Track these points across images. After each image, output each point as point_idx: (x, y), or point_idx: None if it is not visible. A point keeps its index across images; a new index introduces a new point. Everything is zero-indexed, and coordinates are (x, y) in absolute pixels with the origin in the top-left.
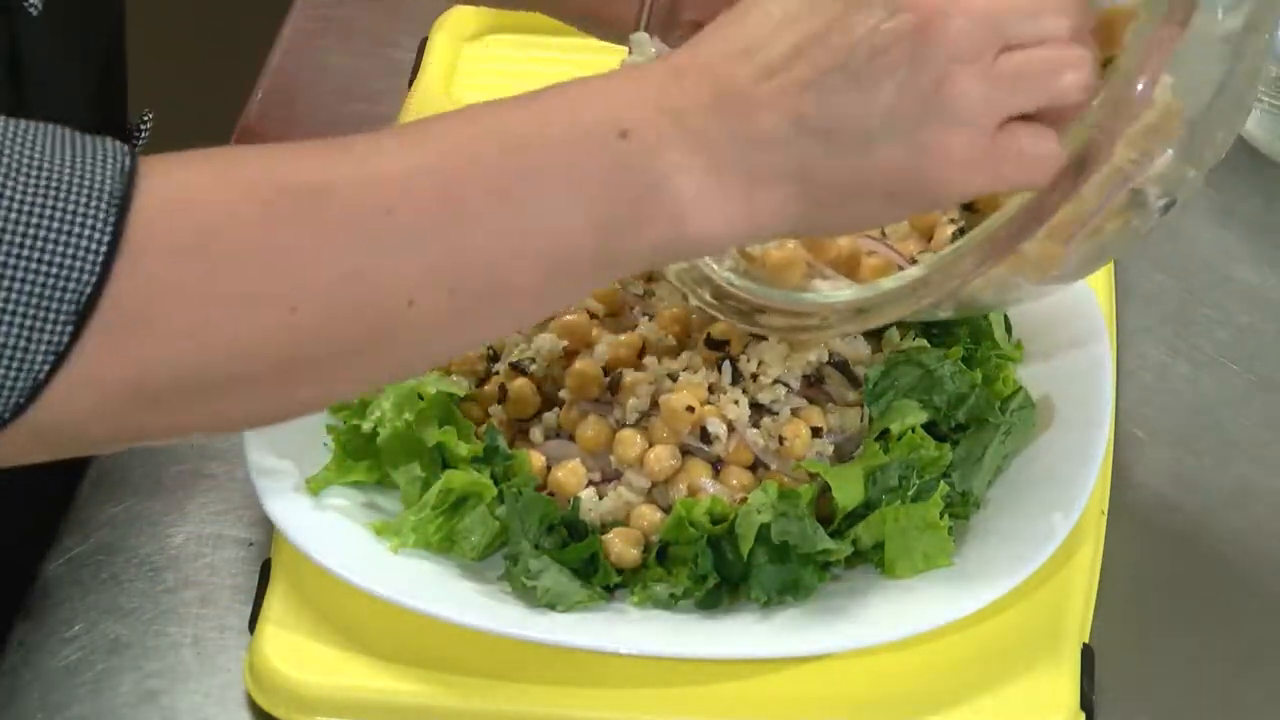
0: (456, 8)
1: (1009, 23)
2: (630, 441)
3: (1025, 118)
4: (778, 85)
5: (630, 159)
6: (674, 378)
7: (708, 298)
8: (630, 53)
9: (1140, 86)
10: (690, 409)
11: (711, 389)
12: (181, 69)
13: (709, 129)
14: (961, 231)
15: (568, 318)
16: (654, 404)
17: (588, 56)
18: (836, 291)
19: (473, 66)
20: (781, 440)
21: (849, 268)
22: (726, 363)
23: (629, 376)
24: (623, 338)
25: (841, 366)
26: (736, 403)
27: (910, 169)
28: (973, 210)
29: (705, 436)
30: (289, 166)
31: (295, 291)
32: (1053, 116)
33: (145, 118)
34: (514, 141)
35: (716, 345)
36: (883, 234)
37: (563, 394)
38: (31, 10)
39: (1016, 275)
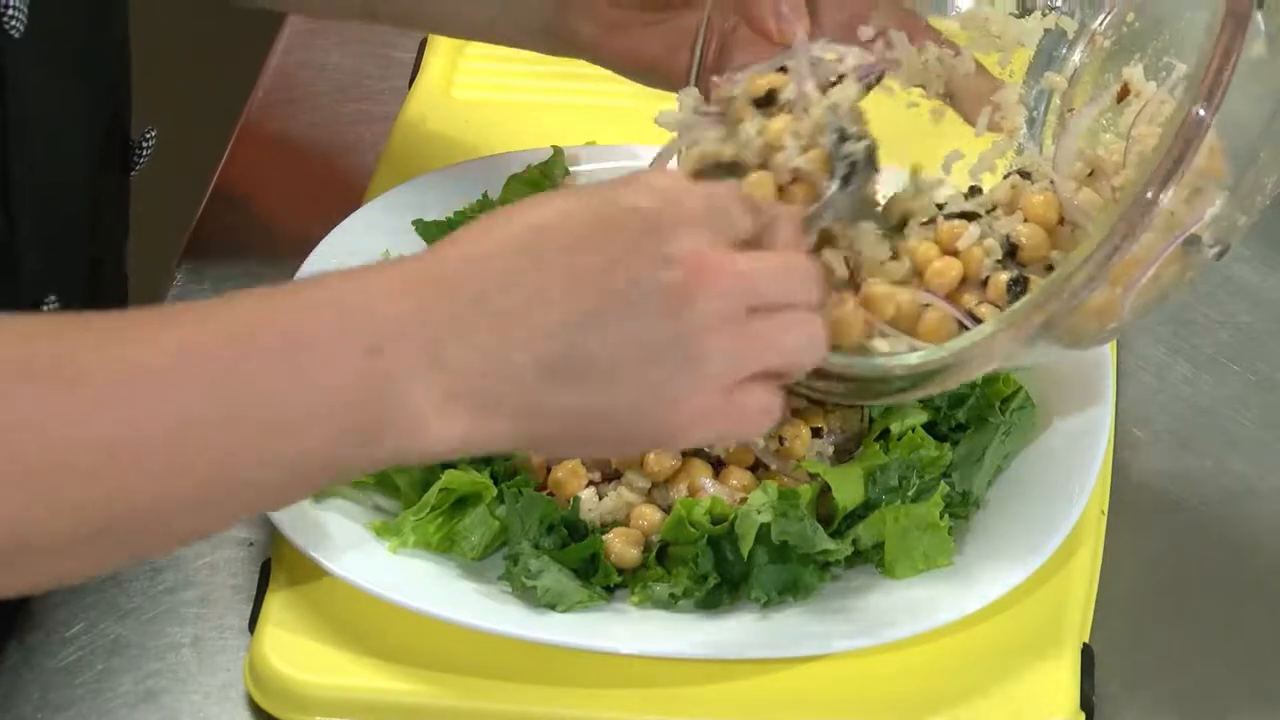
0: None
1: (763, 287)
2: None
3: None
4: (529, 323)
5: (377, 377)
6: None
7: None
8: (679, 104)
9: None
10: None
11: None
12: (182, 69)
13: (457, 357)
14: (1017, 280)
15: None
16: None
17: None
18: (905, 354)
19: (473, 66)
20: (781, 441)
21: (908, 323)
22: None
23: None
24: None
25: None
26: None
27: (648, 418)
28: (1015, 257)
29: (715, 464)
30: (40, 345)
31: (42, 472)
32: (788, 370)
33: (148, 135)
34: (272, 346)
35: None
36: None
37: None
38: (13, 33)
39: (1079, 326)
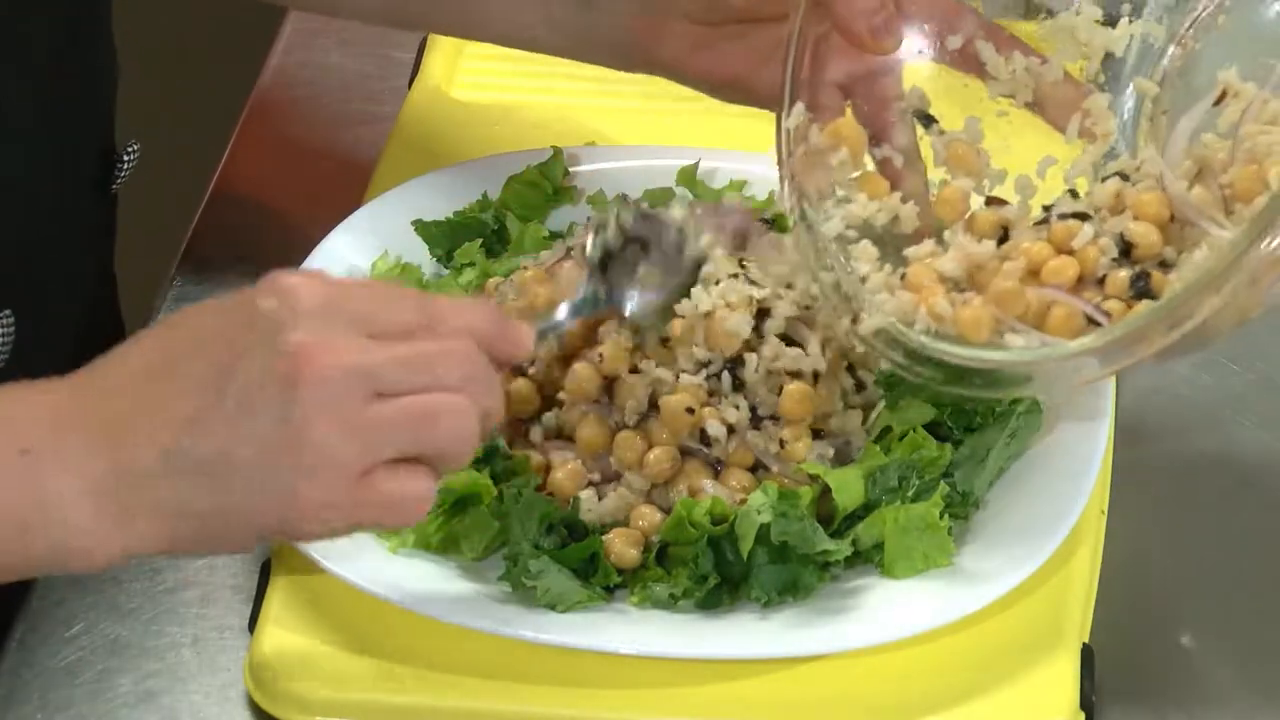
0: None
1: (382, 373)
2: (629, 444)
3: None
4: (155, 422)
5: (26, 479)
6: (676, 376)
7: (900, 360)
8: (785, 117)
9: None
10: (690, 410)
11: (712, 393)
12: (182, 69)
13: (92, 459)
14: (1140, 276)
15: None
16: (653, 405)
17: None
18: (1046, 347)
19: (473, 66)
20: (782, 443)
21: (1036, 320)
22: (726, 372)
23: (626, 378)
24: (620, 339)
25: (849, 370)
26: (737, 406)
27: (269, 510)
28: (1129, 255)
29: (705, 439)
30: None
31: None
32: (436, 459)
33: (131, 148)
34: None
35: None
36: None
37: (561, 395)
38: None
39: (1218, 324)
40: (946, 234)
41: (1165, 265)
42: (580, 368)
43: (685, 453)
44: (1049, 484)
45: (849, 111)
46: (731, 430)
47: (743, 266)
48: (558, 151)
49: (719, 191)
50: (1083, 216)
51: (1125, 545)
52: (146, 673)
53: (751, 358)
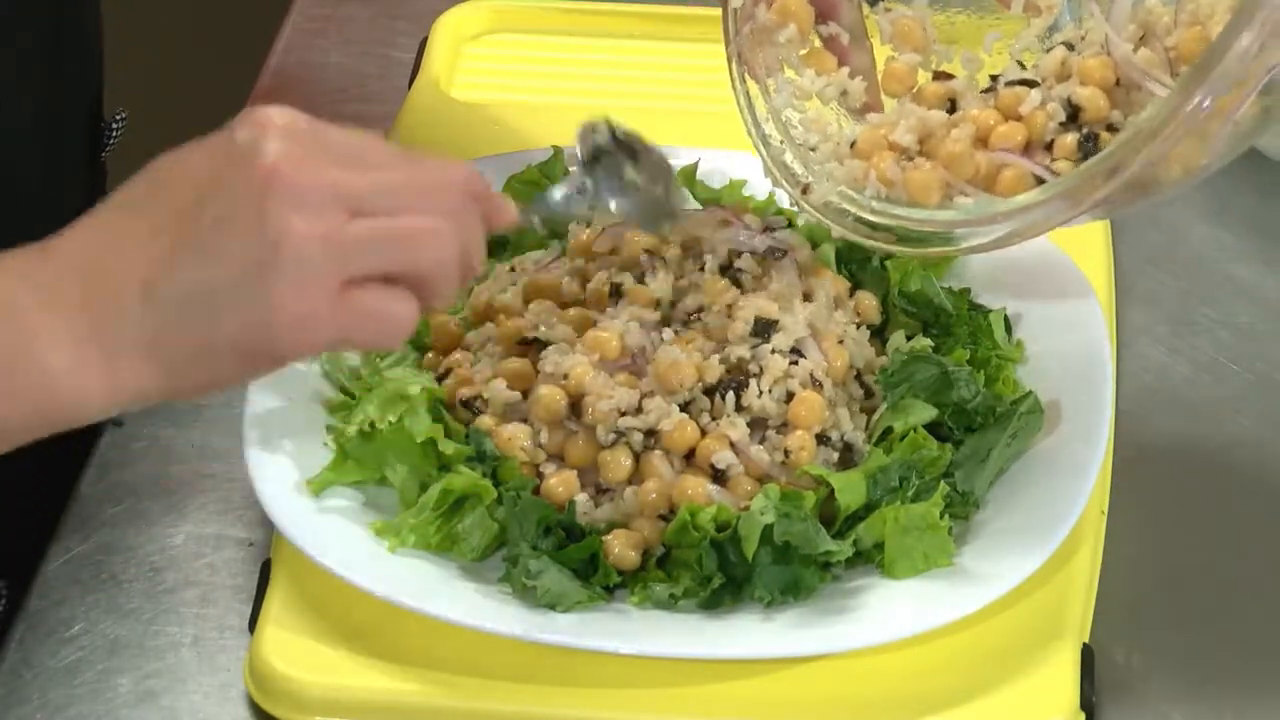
0: (456, 8)
1: (361, 193)
2: (614, 464)
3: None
4: (133, 260)
5: (2, 331)
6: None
7: (849, 228)
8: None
9: None
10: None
11: (714, 415)
12: (182, 69)
13: (71, 307)
14: (1088, 138)
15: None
16: (650, 434)
17: (586, 55)
18: (1007, 200)
19: (473, 66)
20: (787, 453)
21: (986, 183)
22: (730, 393)
23: (589, 398)
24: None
25: (856, 378)
26: (735, 425)
27: (255, 327)
28: (1076, 120)
29: (718, 476)
30: None
31: None
32: (417, 282)
33: (119, 116)
34: None
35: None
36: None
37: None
38: None
39: (1163, 175)
40: (895, 105)
41: (1112, 128)
42: (545, 391)
43: (688, 465)
44: (1049, 484)
45: None
46: (735, 449)
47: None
48: (558, 151)
49: (719, 191)
50: (1030, 84)
51: (1125, 545)
52: (146, 673)
53: (763, 380)
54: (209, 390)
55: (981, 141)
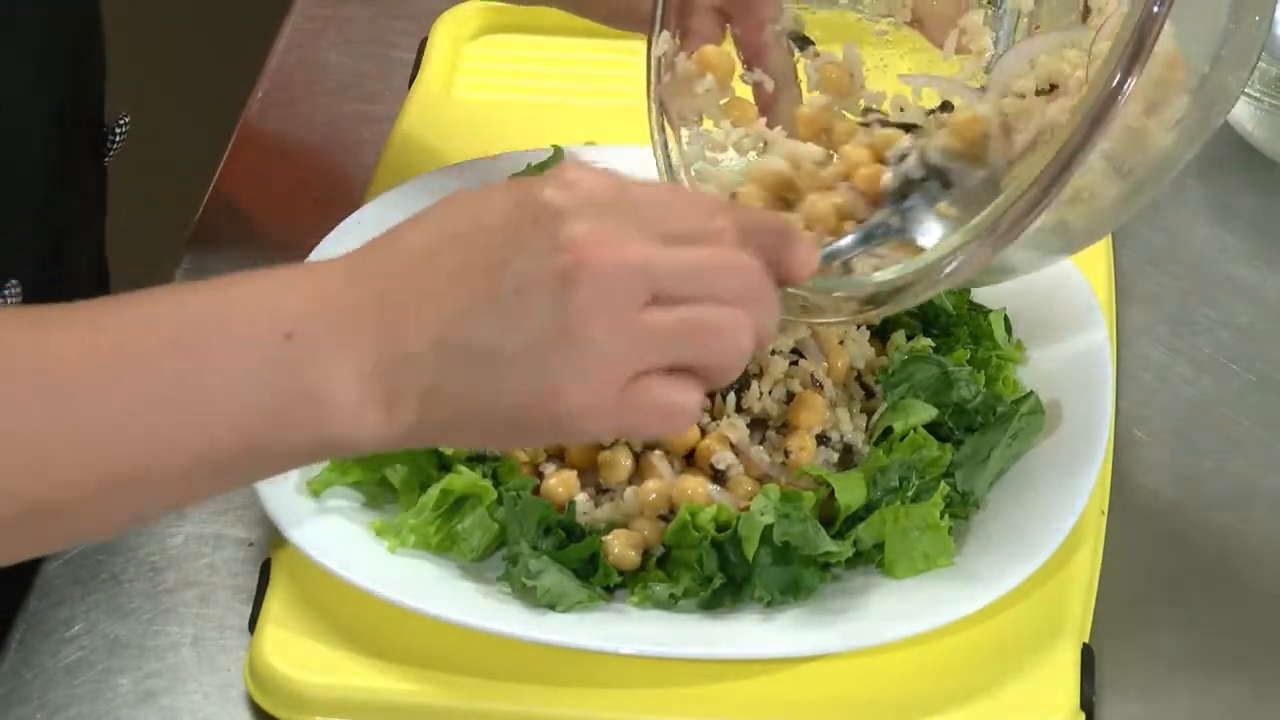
0: (456, 8)
1: (662, 277)
2: (615, 464)
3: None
4: (428, 308)
5: (289, 364)
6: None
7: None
8: (653, 45)
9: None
10: (691, 452)
11: (714, 415)
12: (182, 69)
13: (362, 341)
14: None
15: None
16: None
17: (586, 55)
18: (881, 272)
19: (473, 66)
20: (787, 453)
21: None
22: (731, 394)
23: None
24: None
25: (857, 379)
26: (735, 426)
27: (535, 407)
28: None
29: (718, 476)
30: None
31: None
32: (704, 372)
33: (122, 120)
34: (186, 333)
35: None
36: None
37: None
38: None
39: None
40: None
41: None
42: None
43: (688, 464)
44: (1049, 484)
45: (727, 39)
46: (735, 449)
47: None
48: (558, 151)
49: None
50: (910, 128)
51: (1125, 545)
52: (146, 673)
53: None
54: (478, 447)
55: (846, 177)
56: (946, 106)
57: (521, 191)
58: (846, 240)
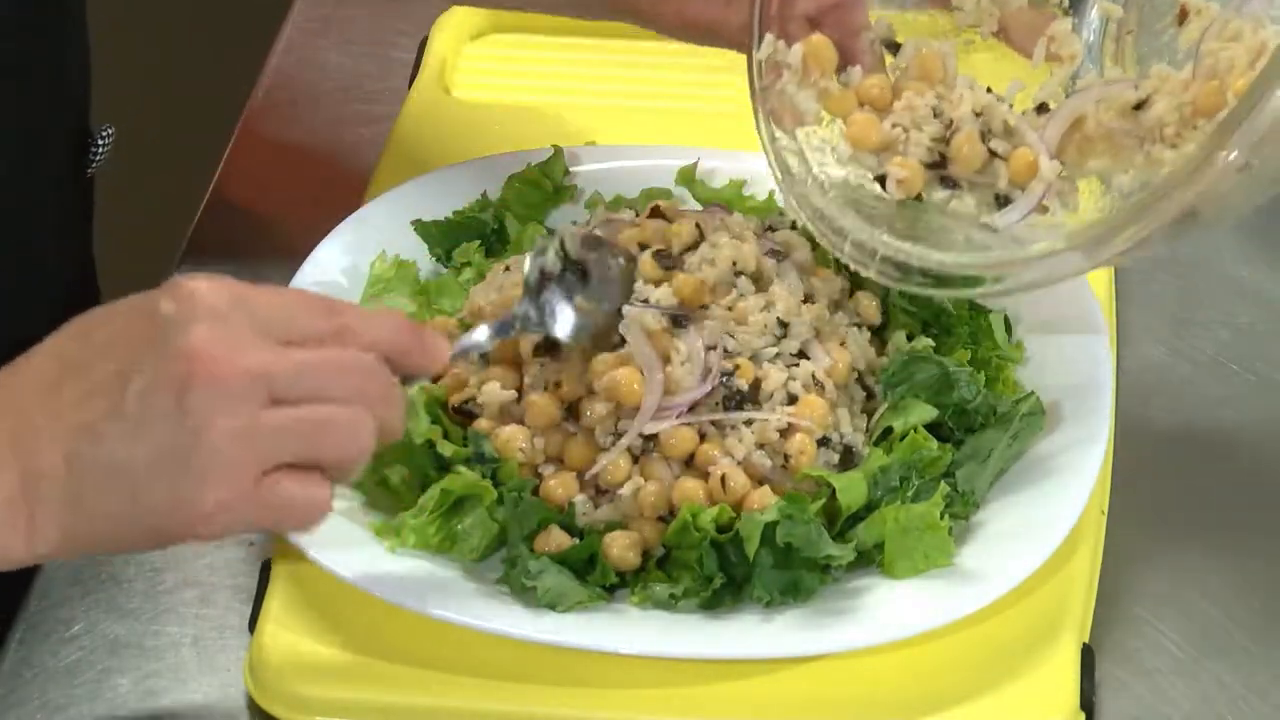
0: (456, 8)
1: (279, 378)
2: (613, 466)
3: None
4: (58, 429)
5: None
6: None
7: (890, 273)
8: (755, 50)
9: None
10: (691, 458)
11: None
12: (181, 70)
13: (4, 458)
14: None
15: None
16: (649, 439)
17: (586, 55)
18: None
19: (473, 66)
20: (787, 459)
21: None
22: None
23: (585, 401)
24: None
25: (859, 381)
26: (741, 440)
27: (171, 512)
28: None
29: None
30: None
31: None
32: (330, 468)
33: (106, 131)
34: None
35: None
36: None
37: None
38: None
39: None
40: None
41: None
42: (537, 399)
43: (685, 469)
44: (1049, 484)
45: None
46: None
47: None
48: (558, 150)
49: (719, 191)
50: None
51: (1125, 545)
52: (146, 673)
53: (764, 387)
54: (120, 553)
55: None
56: (1043, 108)
57: (138, 307)
58: (481, 334)
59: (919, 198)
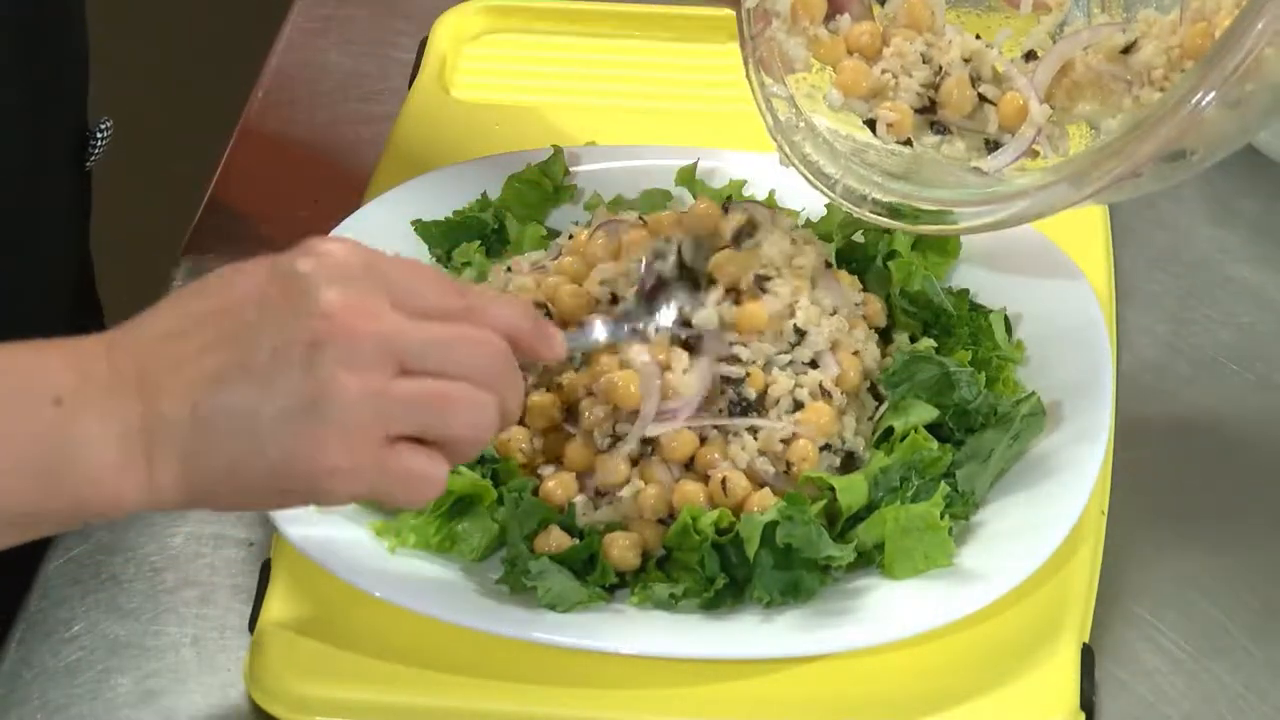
0: (456, 8)
1: (415, 347)
2: (612, 468)
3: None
4: (184, 376)
5: (56, 427)
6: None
7: (869, 208)
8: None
9: None
10: (691, 461)
11: (722, 431)
12: (181, 69)
13: (123, 406)
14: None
15: None
16: (649, 443)
17: (586, 55)
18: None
19: (473, 66)
20: (789, 466)
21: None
22: (742, 413)
23: (585, 403)
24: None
25: (869, 386)
26: (744, 448)
27: (292, 466)
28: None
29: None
30: None
31: None
32: (451, 446)
33: (104, 125)
34: None
35: (743, 404)
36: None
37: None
38: None
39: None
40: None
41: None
42: (538, 399)
43: (686, 472)
44: (1049, 484)
45: None
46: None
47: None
48: (558, 150)
49: (719, 191)
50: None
51: (1125, 545)
52: (146, 673)
53: (770, 393)
54: (238, 510)
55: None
56: (1031, 56)
57: (271, 265)
58: (599, 331)
59: (909, 142)
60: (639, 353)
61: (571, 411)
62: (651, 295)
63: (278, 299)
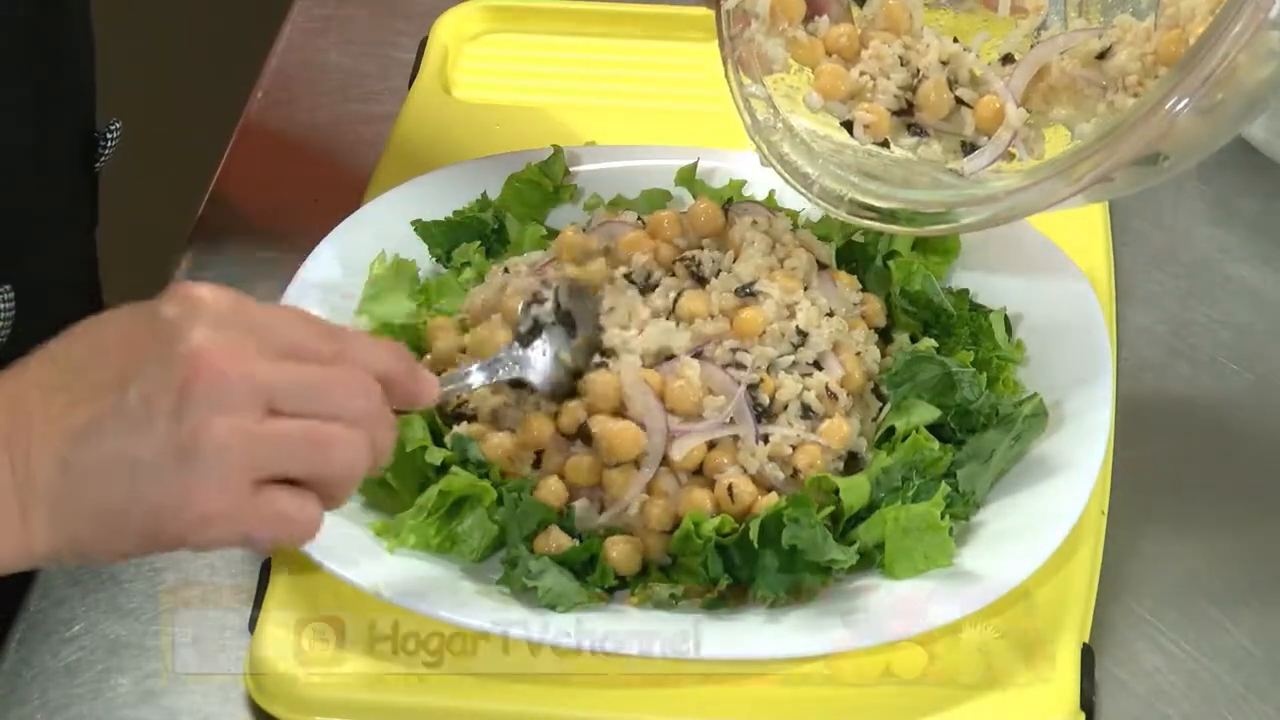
0: (456, 8)
1: (280, 389)
2: (618, 483)
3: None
4: (54, 429)
5: None
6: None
7: (846, 208)
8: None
9: None
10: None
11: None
12: (182, 69)
13: (1, 458)
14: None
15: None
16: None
17: (586, 55)
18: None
19: (473, 66)
20: (796, 472)
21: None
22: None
23: (594, 420)
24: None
25: (873, 387)
26: (754, 454)
27: (163, 515)
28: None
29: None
30: None
31: None
32: (323, 486)
33: (113, 126)
34: None
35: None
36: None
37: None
38: None
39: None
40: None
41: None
42: (535, 419)
43: (691, 478)
44: (1049, 484)
45: None
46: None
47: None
48: (558, 150)
49: (719, 191)
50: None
51: (1125, 545)
52: (146, 673)
53: (779, 398)
54: (113, 560)
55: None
56: (1008, 59)
57: (140, 311)
58: (473, 378)
59: (886, 144)
60: (639, 393)
61: (582, 432)
62: (528, 339)
63: (146, 343)
